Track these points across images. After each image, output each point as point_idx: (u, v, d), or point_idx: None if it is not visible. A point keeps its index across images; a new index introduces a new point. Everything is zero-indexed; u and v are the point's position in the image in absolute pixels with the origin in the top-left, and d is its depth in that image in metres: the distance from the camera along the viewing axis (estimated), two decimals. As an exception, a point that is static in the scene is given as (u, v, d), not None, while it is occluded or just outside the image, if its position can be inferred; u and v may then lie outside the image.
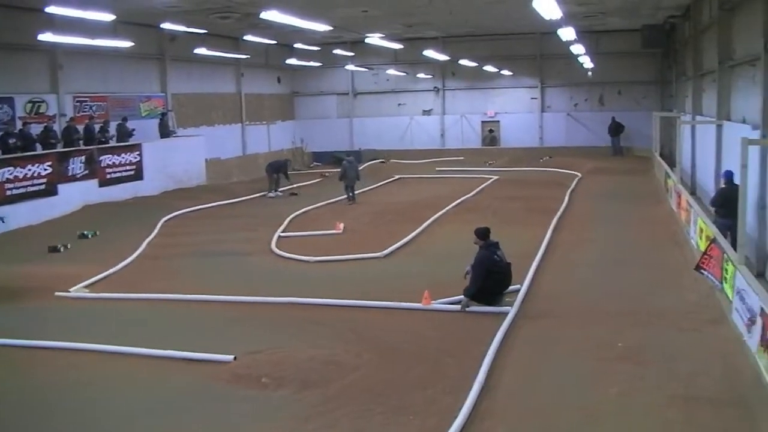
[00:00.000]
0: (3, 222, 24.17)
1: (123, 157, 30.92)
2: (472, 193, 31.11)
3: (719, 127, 24.63)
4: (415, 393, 10.76)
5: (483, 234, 15.02)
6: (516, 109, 47.79)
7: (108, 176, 30.04)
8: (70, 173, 28.13)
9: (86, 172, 28.84)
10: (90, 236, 23.57)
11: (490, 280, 14.70)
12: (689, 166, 31.97)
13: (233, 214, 28.34)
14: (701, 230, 17.51)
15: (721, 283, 14.16)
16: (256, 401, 10.77)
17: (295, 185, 34.30)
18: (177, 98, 37.54)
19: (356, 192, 30.82)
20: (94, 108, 31.96)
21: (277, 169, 33.48)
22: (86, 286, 17.30)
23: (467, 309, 14.54)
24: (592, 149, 43.68)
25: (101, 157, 29.66)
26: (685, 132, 32.05)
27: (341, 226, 23.87)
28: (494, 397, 10.53)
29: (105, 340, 13.23)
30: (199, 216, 27.95)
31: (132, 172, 31.39)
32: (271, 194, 32.61)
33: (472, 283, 14.63)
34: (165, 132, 34.47)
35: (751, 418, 9.59)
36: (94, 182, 29.23)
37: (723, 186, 18.40)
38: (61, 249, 21.49)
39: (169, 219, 26.42)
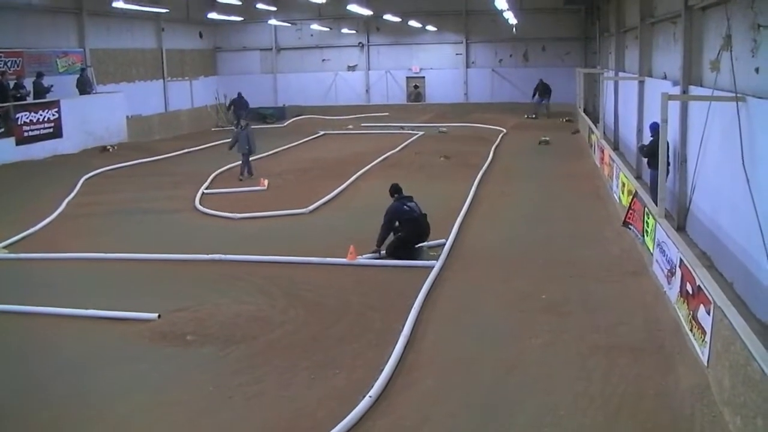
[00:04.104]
0: None
1: (41, 115, 29.96)
2: (397, 149, 31.06)
3: (641, 83, 24.96)
4: (341, 347, 10.77)
5: (394, 190, 15.69)
6: (441, 65, 47.81)
7: (25, 134, 29.07)
8: (-17, 131, 27.26)
9: (2, 130, 27.96)
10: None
11: (404, 229, 15.04)
12: (612, 122, 32.39)
13: (156, 171, 27.81)
14: (623, 184, 17.76)
15: (643, 236, 14.41)
16: (181, 359, 10.65)
17: (219, 142, 33.86)
18: (96, 54, 36.51)
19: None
20: (9, 64, 30.98)
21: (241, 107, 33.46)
22: (5, 247, 16.86)
23: (381, 255, 14.99)
24: (517, 105, 43.94)
25: (17, 115, 28.67)
26: (608, 88, 32.41)
27: (266, 182, 23.66)
28: (420, 349, 10.60)
29: (26, 301, 12.94)
30: (122, 174, 27.37)
31: (50, 130, 30.45)
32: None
33: (380, 232, 15.03)
34: (84, 89, 33.58)
35: (669, 365, 9.79)
36: (11, 140, 28.28)
37: (651, 137, 18.66)
38: None
39: (90, 177, 25.79)
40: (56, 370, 10.41)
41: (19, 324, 12.19)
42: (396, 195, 15.56)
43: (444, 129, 38.14)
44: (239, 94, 43.08)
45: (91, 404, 9.34)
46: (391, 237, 15.19)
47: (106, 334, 11.63)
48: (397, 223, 15.14)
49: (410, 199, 15.48)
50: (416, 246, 15.28)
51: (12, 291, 13.66)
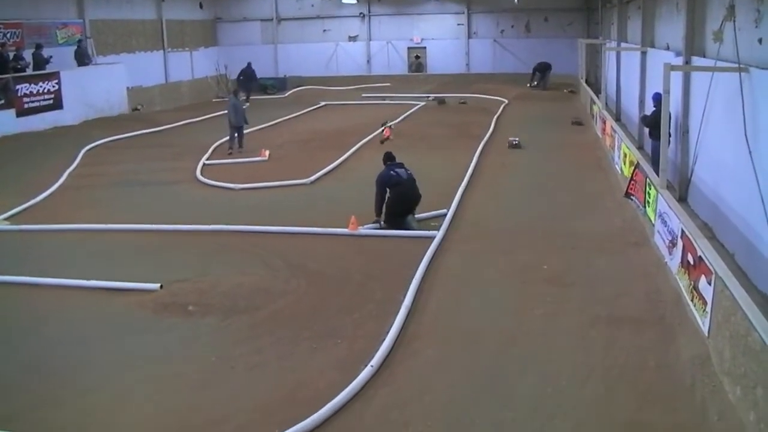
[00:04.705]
0: None
1: (41, 86, 29.82)
2: (399, 120, 30.97)
3: (643, 53, 24.85)
4: (342, 317, 10.79)
5: (387, 158, 15.77)
6: (442, 35, 47.57)
7: (25, 106, 28.97)
8: (-17, 103, 27.17)
9: (2, 101, 27.87)
10: None
11: (391, 194, 15.04)
12: (614, 93, 32.29)
13: (157, 143, 27.76)
14: (625, 155, 17.72)
15: (645, 206, 14.40)
16: (182, 329, 10.68)
17: (220, 113, 33.78)
18: (95, 25, 36.32)
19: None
20: (8, 35, 30.82)
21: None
22: (6, 218, 16.86)
23: (381, 226, 15.01)
24: (519, 76, 43.71)
25: (17, 86, 28.56)
26: (610, 59, 32.28)
27: (267, 153, 23.62)
28: (421, 320, 10.62)
29: (28, 272, 12.97)
30: (123, 145, 27.32)
31: (51, 102, 30.33)
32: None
33: (375, 201, 15.09)
34: (82, 60, 33.41)
35: (670, 336, 9.81)
36: (11, 112, 28.19)
37: (654, 108, 18.59)
38: None
39: (90, 149, 25.77)
40: (58, 341, 10.44)
41: (21, 295, 12.22)
42: (388, 163, 15.59)
43: (463, 101, 37.65)
44: (249, 64, 43.06)
45: (93, 375, 9.37)
46: None
47: (108, 304, 11.65)
48: (387, 190, 15.12)
49: (400, 165, 15.45)
50: (407, 212, 15.18)
51: (13, 262, 13.68)
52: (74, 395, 8.86)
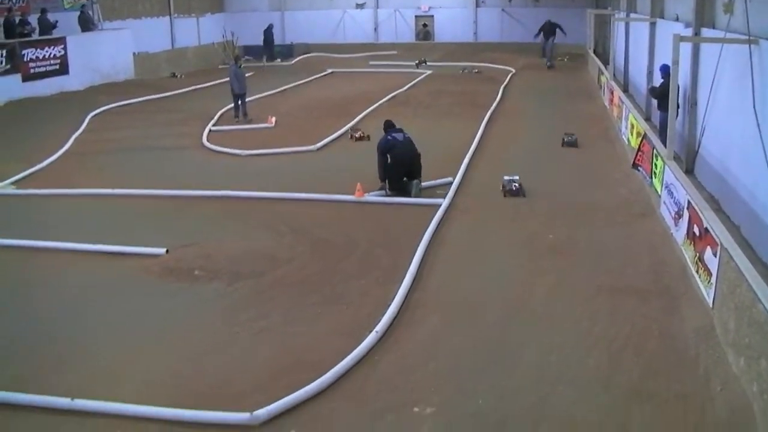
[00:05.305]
0: None
1: (47, 51, 29.80)
2: (405, 88, 30.86)
3: (652, 24, 24.65)
4: (348, 284, 10.84)
5: (385, 126, 15.91)
6: (450, 3, 47.20)
7: (31, 71, 28.98)
8: (-10, 68, 27.15)
9: (8, 66, 27.84)
10: None
11: (391, 159, 15.15)
12: (622, 64, 32.11)
13: (163, 108, 27.71)
14: (632, 126, 17.67)
15: (651, 177, 14.37)
16: (188, 293, 10.75)
17: (226, 79, 33.63)
18: (101, -11, 36.14)
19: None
20: (14, 0, 30.72)
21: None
22: (12, 183, 16.89)
23: (387, 193, 15.14)
24: (527, 46, 43.34)
25: (23, 51, 28.56)
26: (619, 29, 32.07)
27: (273, 119, 23.59)
28: (426, 287, 10.66)
29: (34, 236, 13.03)
30: (129, 111, 27.28)
31: (57, 67, 30.33)
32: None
33: (378, 167, 15.26)
34: (86, 26, 33.28)
35: (674, 306, 9.83)
36: (17, 77, 28.22)
37: (662, 79, 18.50)
38: None
39: (96, 114, 25.75)
40: (64, 304, 10.52)
41: (27, 259, 12.30)
42: (387, 130, 15.69)
43: (477, 71, 37.32)
44: (270, 26, 43.41)
45: (99, 338, 9.44)
46: None
47: (114, 268, 11.72)
48: (388, 156, 15.17)
49: (398, 130, 15.59)
50: (409, 175, 15.22)
51: (20, 226, 13.76)
52: (80, 358, 8.93)
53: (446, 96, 28.14)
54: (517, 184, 14.78)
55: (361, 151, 18.88)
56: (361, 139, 20.12)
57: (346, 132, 21.66)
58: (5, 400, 7.93)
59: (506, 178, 14.94)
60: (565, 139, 19.56)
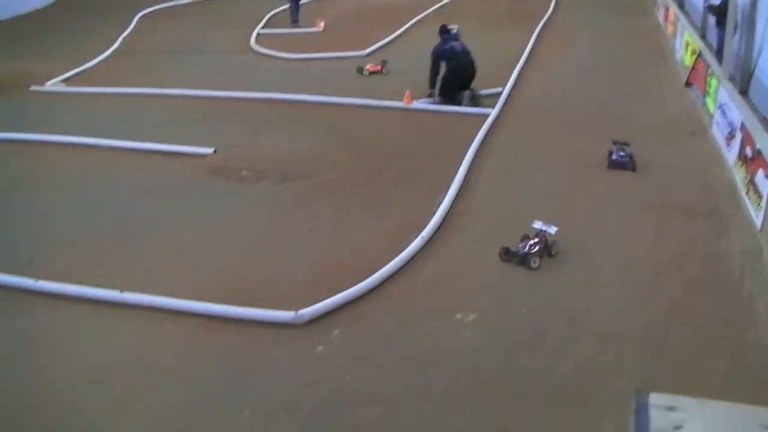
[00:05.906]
0: None
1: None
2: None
3: (715, -63, 23.92)
4: (394, 190, 10.88)
5: (441, 30, 15.47)
6: None
7: (82, -32, 28.81)
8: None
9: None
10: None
11: (447, 68, 14.75)
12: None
13: (212, 10, 27.49)
14: (687, 44, 17.31)
15: (704, 97, 14.13)
16: (236, 193, 10.88)
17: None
18: None
19: None
20: None
21: None
22: (63, 80, 16.98)
23: (435, 101, 14.88)
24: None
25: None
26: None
27: (322, 24, 23.36)
28: (472, 196, 10.67)
29: (83, 134, 13.16)
30: (177, 12, 27.13)
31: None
32: None
33: (429, 73, 14.96)
34: None
35: (722, 227, 9.74)
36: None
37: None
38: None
39: (145, 14, 25.63)
40: (113, 201, 10.72)
41: (79, 156, 12.48)
42: (444, 35, 15.31)
43: None
44: None
45: (149, 234, 9.62)
46: None
47: (162, 167, 11.87)
48: (442, 64, 14.85)
49: (455, 38, 15.21)
50: (463, 87, 14.92)
51: (69, 124, 13.88)
52: (128, 254, 9.11)
53: (497, 6, 27.60)
54: (625, 154, 11.92)
55: (411, 58, 18.64)
56: (375, 72, 18.64)
57: (395, 38, 21.39)
58: (55, 290, 8.14)
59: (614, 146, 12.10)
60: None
